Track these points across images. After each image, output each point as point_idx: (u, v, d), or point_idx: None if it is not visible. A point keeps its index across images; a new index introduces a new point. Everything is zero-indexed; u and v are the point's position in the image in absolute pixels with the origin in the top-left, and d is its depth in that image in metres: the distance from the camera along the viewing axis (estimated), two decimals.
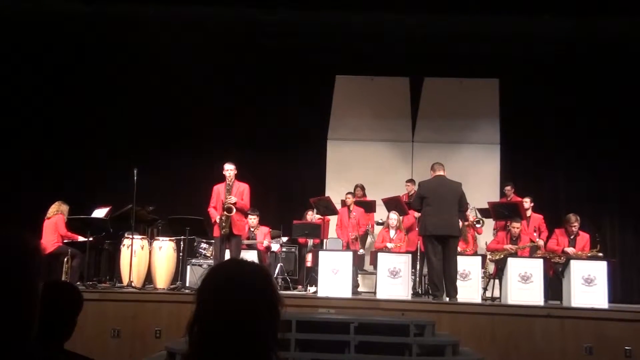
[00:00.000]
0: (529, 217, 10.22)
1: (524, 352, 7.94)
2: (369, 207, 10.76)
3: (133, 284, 9.00)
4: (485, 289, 9.62)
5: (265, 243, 10.15)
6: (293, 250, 11.06)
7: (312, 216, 10.85)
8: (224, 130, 12.22)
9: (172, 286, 9.24)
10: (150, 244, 9.44)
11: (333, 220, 10.72)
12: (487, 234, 10.81)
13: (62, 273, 8.87)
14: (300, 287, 10.43)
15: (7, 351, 1.39)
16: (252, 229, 10.23)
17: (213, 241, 9.35)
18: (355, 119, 12.49)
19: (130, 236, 9.20)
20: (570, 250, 9.42)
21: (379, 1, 10.22)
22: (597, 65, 11.84)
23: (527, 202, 10.27)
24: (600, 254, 9.44)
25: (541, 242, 9.84)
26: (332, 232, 10.77)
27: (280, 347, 1.64)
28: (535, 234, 9.91)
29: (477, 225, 10.43)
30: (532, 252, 9.66)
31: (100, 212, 9.77)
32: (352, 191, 10.76)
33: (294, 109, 12.32)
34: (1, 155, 11.58)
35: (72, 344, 2.66)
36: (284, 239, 10.85)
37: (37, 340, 2.48)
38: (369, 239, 11.04)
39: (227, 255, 8.80)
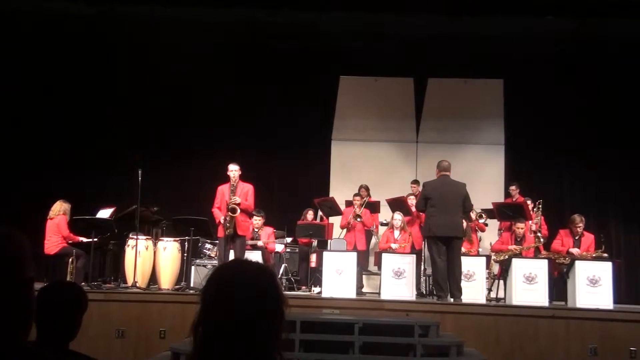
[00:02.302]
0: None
1: (528, 352, 7.93)
2: (374, 207, 10.76)
3: (137, 285, 9.01)
4: (489, 290, 9.61)
5: (261, 244, 10.13)
6: (297, 250, 11.06)
7: (312, 216, 10.84)
8: (228, 130, 12.23)
9: (177, 287, 9.24)
10: (155, 245, 9.45)
11: (337, 220, 10.71)
12: (491, 234, 10.80)
13: (67, 273, 8.88)
14: (304, 287, 10.43)
15: (7, 349, 1.39)
16: (256, 230, 10.23)
17: (217, 242, 9.35)
18: (359, 119, 12.49)
19: (135, 237, 9.21)
20: (575, 251, 9.40)
21: (383, 2, 10.22)
22: (601, 65, 11.82)
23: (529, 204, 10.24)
24: (605, 255, 9.42)
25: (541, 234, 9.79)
26: (336, 232, 10.76)
27: (284, 347, 1.64)
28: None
29: (481, 220, 10.38)
30: (537, 253, 9.65)
31: (104, 213, 9.80)
32: (357, 192, 10.75)
33: (298, 109, 12.36)
34: (5, 156, 11.61)
35: (77, 344, 2.67)
36: (288, 239, 10.86)
37: (42, 340, 2.50)
38: (373, 240, 11.04)
39: (232, 255, 8.81)
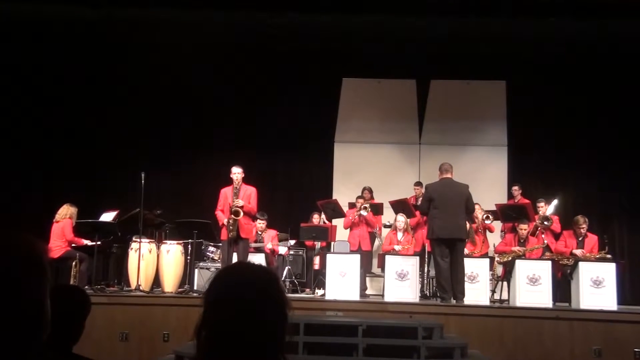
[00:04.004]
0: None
1: (532, 354, 7.91)
2: (377, 209, 10.76)
3: (141, 288, 9.00)
4: (493, 291, 9.59)
5: (270, 246, 10.14)
6: (301, 253, 11.07)
7: (317, 219, 10.84)
8: (231, 133, 12.24)
9: (180, 290, 9.25)
10: (158, 248, 9.45)
11: (340, 222, 10.71)
12: (495, 235, 10.78)
13: (70, 277, 8.89)
14: (308, 290, 10.43)
15: (18, 356, 1.39)
16: (259, 232, 10.23)
17: (220, 244, 9.36)
18: (362, 121, 12.49)
19: (138, 240, 9.21)
20: (578, 252, 9.39)
21: (385, 3, 10.22)
22: (603, 66, 11.80)
23: (542, 207, 10.15)
24: (609, 256, 9.41)
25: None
26: (340, 235, 10.76)
27: (288, 350, 1.64)
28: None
29: (487, 222, 10.34)
30: (543, 253, 9.63)
31: (108, 216, 9.79)
32: (360, 194, 10.75)
33: (301, 111, 12.35)
34: (9, 158, 11.62)
35: (80, 348, 2.67)
36: (292, 241, 10.85)
37: (45, 343, 2.50)
38: (376, 242, 11.03)
39: (235, 258, 8.81)
